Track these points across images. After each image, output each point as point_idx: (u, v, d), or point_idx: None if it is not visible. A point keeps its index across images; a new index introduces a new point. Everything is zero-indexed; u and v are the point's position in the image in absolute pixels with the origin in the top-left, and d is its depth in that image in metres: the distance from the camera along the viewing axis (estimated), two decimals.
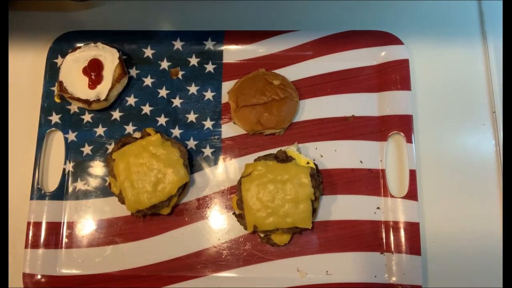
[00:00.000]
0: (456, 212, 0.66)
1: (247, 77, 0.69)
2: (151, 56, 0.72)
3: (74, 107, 0.70)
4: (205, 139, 0.69)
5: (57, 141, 0.70)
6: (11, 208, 0.66)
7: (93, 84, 0.67)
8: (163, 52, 0.72)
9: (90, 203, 0.67)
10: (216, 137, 0.69)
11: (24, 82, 0.72)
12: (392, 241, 0.64)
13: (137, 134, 0.67)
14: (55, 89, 0.70)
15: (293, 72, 0.70)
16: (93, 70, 0.67)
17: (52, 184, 0.67)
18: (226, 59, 0.72)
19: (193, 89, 0.71)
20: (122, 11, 0.75)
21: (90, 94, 0.67)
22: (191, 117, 0.70)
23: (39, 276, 0.63)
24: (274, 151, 0.66)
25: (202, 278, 0.63)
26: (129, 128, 0.70)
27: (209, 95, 0.71)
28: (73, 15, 0.75)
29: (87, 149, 0.69)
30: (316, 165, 0.65)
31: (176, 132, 0.69)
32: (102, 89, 0.67)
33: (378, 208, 0.65)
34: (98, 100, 0.67)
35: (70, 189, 0.67)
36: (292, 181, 0.60)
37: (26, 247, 0.64)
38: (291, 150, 0.65)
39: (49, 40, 0.72)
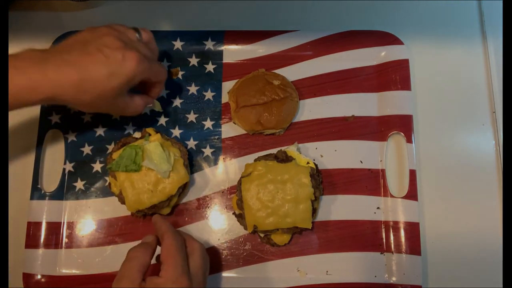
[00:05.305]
0: (456, 212, 0.66)
1: (247, 77, 0.69)
2: None
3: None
4: (205, 139, 0.69)
5: (57, 141, 0.70)
6: (11, 208, 0.66)
7: None
8: (163, 52, 0.72)
9: (90, 203, 0.67)
10: (216, 137, 0.69)
11: None
12: (392, 241, 0.64)
13: (137, 134, 0.67)
14: None
15: (293, 72, 0.70)
16: None
17: (52, 184, 0.67)
18: (226, 59, 0.72)
19: (193, 89, 0.71)
20: (122, 11, 0.75)
21: None
22: (191, 117, 0.70)
23: (39, 276, 0.64)
24: (274, 151, 0.66)
25: None
26: (129, 128, 0.70)
27: (209, 95, 0.71)
28: (73, 15, 0.75)
29: (87, 149, 0.69)
30: (316, 165, 0.65)
31: (176, 132, 0.69)
32: None
33: (378, 208, 0.65)
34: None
35: (70, 189, 0.67)
36: (292, 181, 0.60)
37: (26, 247, 0.64)
38: (291, 150, 0.65)
39: (49, 40, 0.72)
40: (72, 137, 0.69)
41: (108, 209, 0.66)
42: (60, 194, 0.67)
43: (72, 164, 0.68)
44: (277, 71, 0.70)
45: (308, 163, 0.64)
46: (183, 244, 0.54)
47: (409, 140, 0.66)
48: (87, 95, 0.53)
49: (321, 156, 0.68)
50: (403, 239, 0.63)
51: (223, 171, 0.68)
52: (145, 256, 0.52)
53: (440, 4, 0.74)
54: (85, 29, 0.58)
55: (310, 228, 0.61)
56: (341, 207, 0.65)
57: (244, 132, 0.69)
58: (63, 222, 0.66)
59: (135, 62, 0.54)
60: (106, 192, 0.67)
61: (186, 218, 0.66)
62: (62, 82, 0.51)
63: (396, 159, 0.67)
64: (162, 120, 0.70)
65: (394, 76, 0.69)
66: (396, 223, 0.64)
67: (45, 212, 0.65)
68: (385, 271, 0.63)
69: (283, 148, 0.65)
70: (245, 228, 0.63)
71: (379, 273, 0.63)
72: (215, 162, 0.68)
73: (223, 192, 0.67)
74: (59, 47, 0.56)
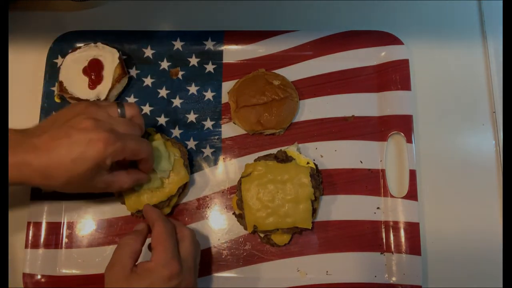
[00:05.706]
0: (456, 212, 0.66)
1: (247, 77, 0.69)
2: (151, 56, 0.72)
3: None
4: (205, 139, 0.69)
5: None
6: (11, 208, 0.66)
7: (93, 84, 0.67)
8: (163, 52, 0.72)
9: (90, 203, 0.67)
10: (216, 137, 0.69)
11: (24, 82, 0.72)
12: (392, 241, 0.64)
13: None
14: (55, 89, 0.70)
15: (293, 72, 0.70)
16: (93, 70, 0.67)
17: None
18: (226, 59, 0.72)
19: (193, 89, 0.71)
20: (122, 11, 0.75)
21: (90, 94, 0.67)
22: (191, 117, 0.70)
23: (39, 276, 0.63)
24: (274, 151, 0.66)
25: (202, 278, 0.63)
26: None
27: (209, 95, 0.71)
28: (73, 15, 0.75)
29: None
30: (316, 165, 0.65)
31: (176, 132, 0.69)
32: (102, 89, 0.67)
33: (378, 208, 0.65)
34: (98, 100, 0.67)
35: None
36: (292, 181, 0.60)
37: (26, 247, 0.64)
38: (291, 150, 0.65)
39: (49, 40, 0.72)
40: None
41: (108, 209, 0.66)
42: (60, 194, 0.66)
43: None
44: (277, 71, 0.70)
45: (308, 163, 0.64)
46: (173, 231, 0.55)
47: (409, 140, 0.66)
48: (56, 181, 0.51)
49: (321, 156, 0.68)
50: (403, 239, 0.63)
51: (223, 171, 0.68)
52: (136, 243, 0.53)
53: (440, 4, 0.74)
54: (68, 106, 0.56)
55: (310, 228, 0.61)
56: (341, 207, 0.65)
57: (244, 132, 0.69)
58: (63, 222, 0.66)
59: (102, 145, 0.50)
60: (106, 192, 0.66)
61: (186, 218, 0.66)
62: (28, 168, 0.49)
63: (396, 159, 0.67)
64: (162, 120, 0.70)
65: (394, 76, 0.69)
66: (396, 223, 0.64)
67: (45, 212, 0.65)
68: (385, 271, 0.63)
69: (283, 148, 0.65)
70: (245, 228, 0.63)
71: (379, 273, 0.63)
72: (215, 162, 0.68)
73: (223, 192, 0.67)
74: (36, 128, 0.53)
